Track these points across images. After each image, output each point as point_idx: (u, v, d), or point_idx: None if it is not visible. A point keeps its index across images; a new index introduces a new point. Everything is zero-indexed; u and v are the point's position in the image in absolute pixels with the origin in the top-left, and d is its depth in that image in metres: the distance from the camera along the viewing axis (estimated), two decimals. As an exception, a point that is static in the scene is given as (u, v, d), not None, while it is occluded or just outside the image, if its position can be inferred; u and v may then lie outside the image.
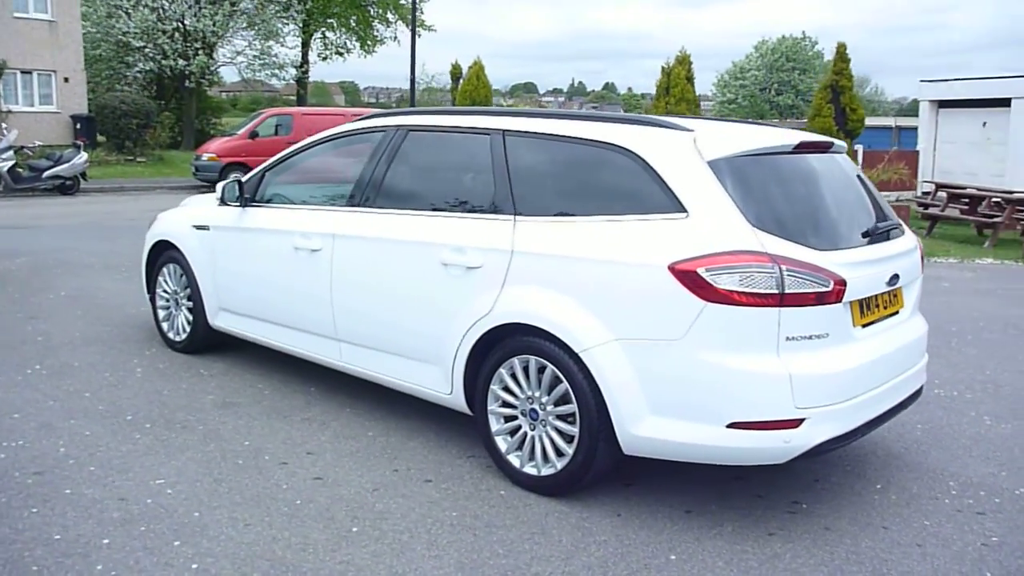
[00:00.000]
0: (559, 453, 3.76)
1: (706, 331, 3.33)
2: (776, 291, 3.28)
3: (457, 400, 4.18)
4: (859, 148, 19.52)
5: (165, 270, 5.99)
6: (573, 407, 3.67)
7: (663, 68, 19.09)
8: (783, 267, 3.30)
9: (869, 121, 37.07)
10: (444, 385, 4.21)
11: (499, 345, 3.92)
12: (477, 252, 3.98)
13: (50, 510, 3.56)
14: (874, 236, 3.85)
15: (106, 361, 5.69)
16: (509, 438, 3.97)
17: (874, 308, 3.72)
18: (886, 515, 3.75)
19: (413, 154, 4.57)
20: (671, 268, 3.38)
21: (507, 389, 3.94)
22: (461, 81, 16.75)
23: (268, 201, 5.27)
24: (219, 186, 5.43)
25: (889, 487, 4.05)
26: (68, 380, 5.26)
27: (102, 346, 6.05)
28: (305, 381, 5.34)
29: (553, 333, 3.67)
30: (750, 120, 5.24)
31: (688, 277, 3.34)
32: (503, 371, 3.92)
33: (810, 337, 3.38)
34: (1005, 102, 19.97)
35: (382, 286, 4.43)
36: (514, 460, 3.93)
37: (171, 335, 6.00)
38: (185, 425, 4.58)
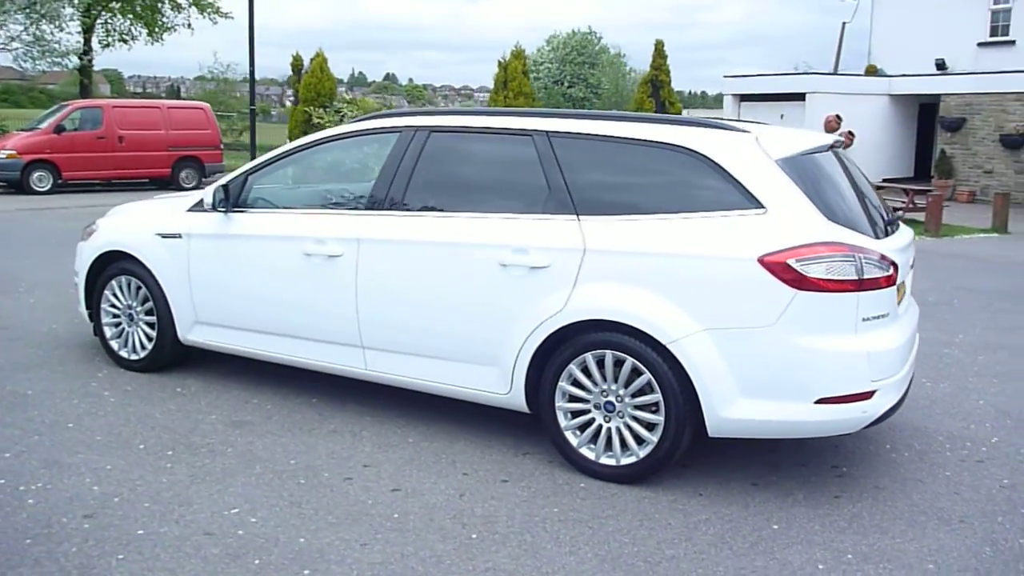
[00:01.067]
0: (640, 441, 3.92)
1: (796, 317, 3.62)
2: (856, 277, 3.63)
3: (515, 399, 4.22)
4: None
5: (114, 284, 5.46)
6: (656, 396, 3.84)
7: (500, 63, 19.48)
8: (860, 255, 3.65)
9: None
10: (500, 385, 4.23)
11: (569, 342, 4.01)
12: (543, 252, 4.04)
13: (139, 554, 3.25)
14: (891, 226, 4.32)
15: (61, 387, 5.13)
16: (579, 432, 4.07)
17: (901, 292, 4.19)
18: (915, 471, 4.23)
19: (441, 155, 4.51)
20: (761, 260, 3.63)
21: (577, 384, 4.03)
22: (303, 73, 16.19)
23: (254, 205, 4.99)
24: (207, 191, 5.03)
25: (898, 447, 4.56)
26: (33, 411, 4.71)
27: (45, 371, 5.43)
28: (299, 392, 5.11)
29: (637, 327, 3.82)
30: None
31: (779, 268, 3.61)
32: (573, 367, 4.02)
33: (878, 317, 3.76)
34: (800, 96, 22.19)
35: (423, 290, 4.36)
36: (587, 453, 4.04)
37: (124, 353, 5.50)
38: (211, 449, 4.27)
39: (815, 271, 3.59)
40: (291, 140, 16.30)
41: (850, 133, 21.68)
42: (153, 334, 5.35)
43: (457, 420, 4.69)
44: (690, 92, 71.75)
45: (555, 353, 4.05)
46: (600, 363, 3.96)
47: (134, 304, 5.42)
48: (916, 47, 23.62)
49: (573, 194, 4.09)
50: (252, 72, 16.75)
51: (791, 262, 3.60)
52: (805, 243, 3.63)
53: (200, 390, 5.15)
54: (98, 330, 5.63)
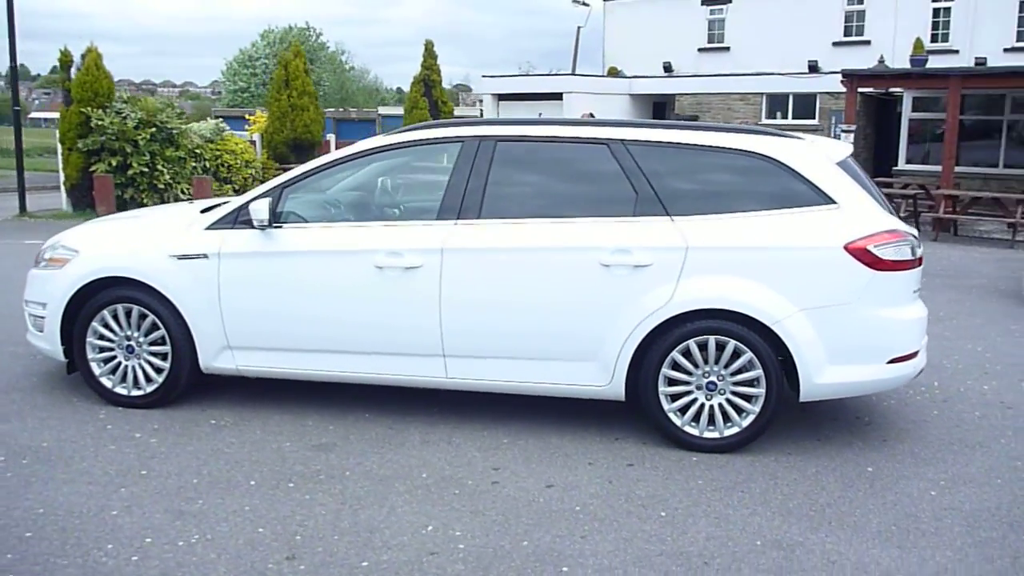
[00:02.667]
0: (740, 412, 4.44)
1: (873, 293, 4.34)
2: (912, 257, 4.43)
3: (615, 390, 4.54)
4: (331, 138, 20.55)
5: (105, 314, 4.91)
6: (757, 372, 4.38)
7: (280, 62, 18.77)
8: (912, 239, 4.46)
9: (383, 111, 39.69)
10: (600, 378, 4.53)
11: (671, 332, 4.42)
12: (645, 251, 4.40)
13: (391, 581, 3.19)
14: None
15: (77, 434, 4.55)
16: (680, 414, 4.50)
17: None
18: (939, 431, 4.98)
19: (513, 164, 4.68)
20: (846, 247, 4.31)
21: (678, 368, 4.46)
22: (73, 70, 14.49)
23: (289, 220, 4.78)
24: (252, 207, 4.68)
25: (906, 408, 5.47)
26: (76, 463, 4.17)
27: (35, 418, 4.75)
28: (346, 409, 4.98)
29: (743, 312, 4.33)
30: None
31: (860, 253, 4.31)
32: (676, 354, 4.44)
33: (918, 290, 4.60)
34: (557, 96, 23.80)
35: (516, 294, 4.52)
36: (691, 430, 4.49)
37: (120, 390, 4.96)
38: (328, 474, 4.12)
39: (887, 254, 4.33)
40: (64, 144, 14.60)
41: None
42: (164, 365, 4.89)
43: (522, 417, 4.88)
44: (388, 88, 72.62)
45: (657, 343, 4.44)
46: (703, 348, 4.42)
47: (134, 334, 4.91)
48: (646, 51, 26.26)
49: (662, 197, 4.49)
50: (14, 66, 14.67)
51: (870, 247, 4.31)
52: (876, 231, 4.36)
53: (239, 419, 4.83)
54: (78, 367, 5.01)
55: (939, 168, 16.21)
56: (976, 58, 20.51)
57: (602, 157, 4.60)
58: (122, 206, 14.45)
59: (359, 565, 3.30)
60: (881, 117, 22.90)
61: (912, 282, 4.49)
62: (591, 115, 24.26)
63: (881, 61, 20.74)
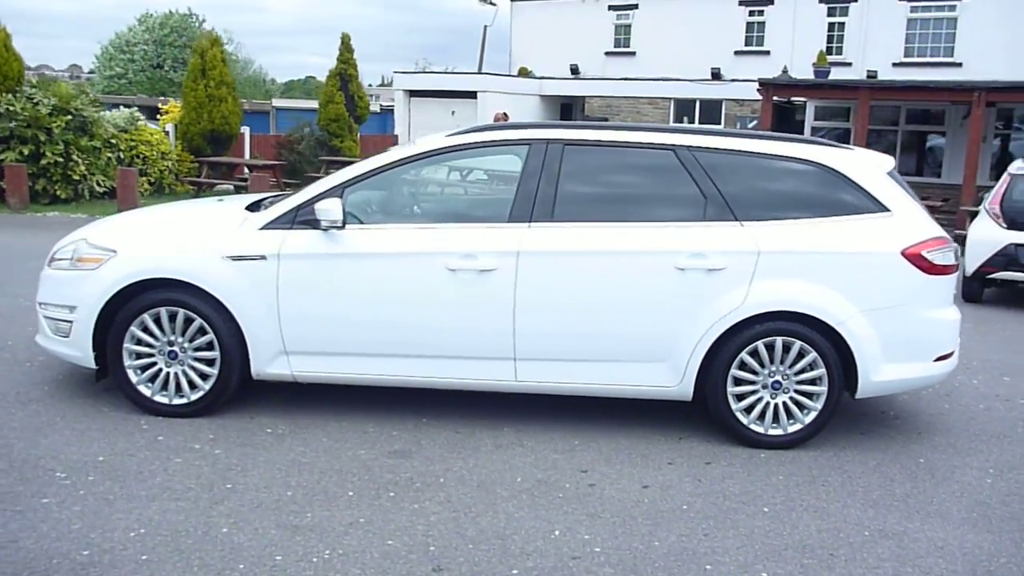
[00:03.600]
0: (802, 410, 4.65)
1: (924, 295, 4.63)
2: (956, 262, 4.75)
3: (684, 390, 4.66)
4: (245, 130, 19.88)
5: (145, 318, 4.63)
6: (820, 371, 4.59)
7: (195, 49, 17.90)
8: (954, 245, 4.78)
9: (277, 103, 38.57)
10: (670, 379, 4.63)
11: (741, 334, 4.56)
12: (720, 255, 4.53)
13: (551, 586, 3.18)
14: None
15: (129, 447, 4.28)
16: (746, 413, 4.66)
17: None
18: (960, 424, 5.29)
19: (582, 167, 4.71)
20: (903, 253, 4.57)
21: (745, 368, 4.62)
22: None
23: (351, 221, 4.65)
24: (319, 208, 4.50)
25: (919, 403, 5.82)
26: (151, 478, 3.93)
27: (74, 431, 4.43)
28: (401, 413, 4.87)
29: (811, 314, 4.53)
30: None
31: (915, 258, 4.58)
32: (744, 355, 4.60)
33: (954, 293, 4.94)
34: (471, 94, 23.80)
35: (591, 297, 4.56)
36: (757, 428, 4.65)
37: (161, 398, 4.70)
38: (423, 482, 4.04)
39: (936, 259, 4.63)
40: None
41: (515, 129, 23.82)
42: (211, 371, 4.66)
43: (578, 419, 4.92)
44: (272, 79, 70.45)
45: (727, 344, 4.58)
46: (769, 348, 4.59)
47: (178, 339, 4.65)
48: (553, 52, 26.61)
49: (729, 202, 4.63)
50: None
51: (923, 253, 4.59)
52: (928, 238, 4.65)
53: (295, 426, 4.65)
54: (113, 375, 4.71)
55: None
56: (868, 71, 21.87)
57: (669, 162, 4.69)
58: (34, 198, 13.51)
59: (509, 573, 3.27)
60: (782, 124, 24.05)
61: (953, 285, 4.81)
62: (504, 115, 24.42)
63: (785, 71, 21.80)
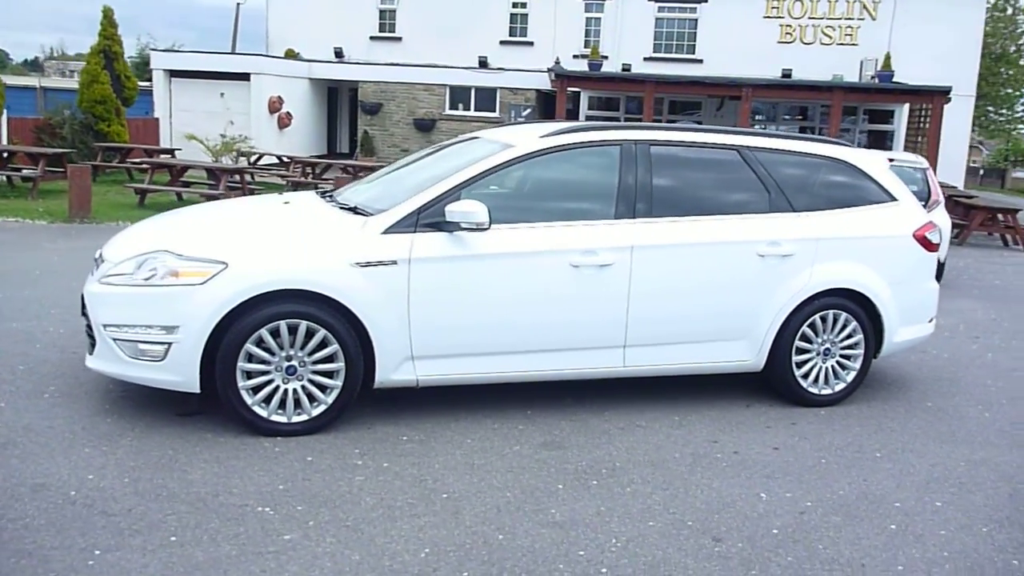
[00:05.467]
0: (845, 370, 5.48)
1: (924, 269, 5.66)
2: (939, 241, 5.83)
3: (758, 363, 5.29)
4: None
5: (263, 333, 4.33)
6: (859, 337, 5.45)
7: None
8: (938, 227, 5.86)
9: (9, 80, 34.27)
10: (748, 353, 5.24)
11: (803, 310, 5.29)
12: (791, 243, 5.19)
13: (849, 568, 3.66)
14: None
15: (298, 470, 4.04)
16: (804, 378, 5.40)
17: None
18: (982, 388, 6.56)
19: (666, 166, 5.11)
20: (913, 235, 5.56)
21: (805, 339, 5.36)
22: None
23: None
24: (459, 209, 4.43)
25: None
26: (347, 513, 3.81)
27: (204, 448, 4.05)
28: (494, 409, 4.97)
29: (856, 289, 5.35)
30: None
31: (922, 239, 5.58)
32: (805, 328, 5.33)
33: (930, 266, 6.04)
34: (244, 76, 22.58)
35: (690, 284, 5.01)
36: (812, 389, 5.41)
37: (278, 417, 4.43)
38: (611, 469, 4.29)
39: (934, 239, 5.67)
40: None
41: (288, 114, 23.30)
42: (333, 383, 4.48)
43: (652, 398, 5.38)
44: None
45: (793, 319, 5.28)
46: (824, 319, 5.36)
47: (298, 353, 4.41)
48: (316, 35, 25.97)
49: (787, 196, 5.31)
50: None
51: (927, 234, 5.61)
52: (927, 222, 5.67)
53: (425, 434, 4.59)
54: (223, 397, 4.35)
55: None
56: (623, 64, 23.98)
57: (735, 160, 5.27)
58: None
59: (769, 533, 3.68)
60: (550, 111, 25.55)
61: (936, 260, 5.90)
62: (279, 99, 23.55)
63: (557, 62, 23.27)
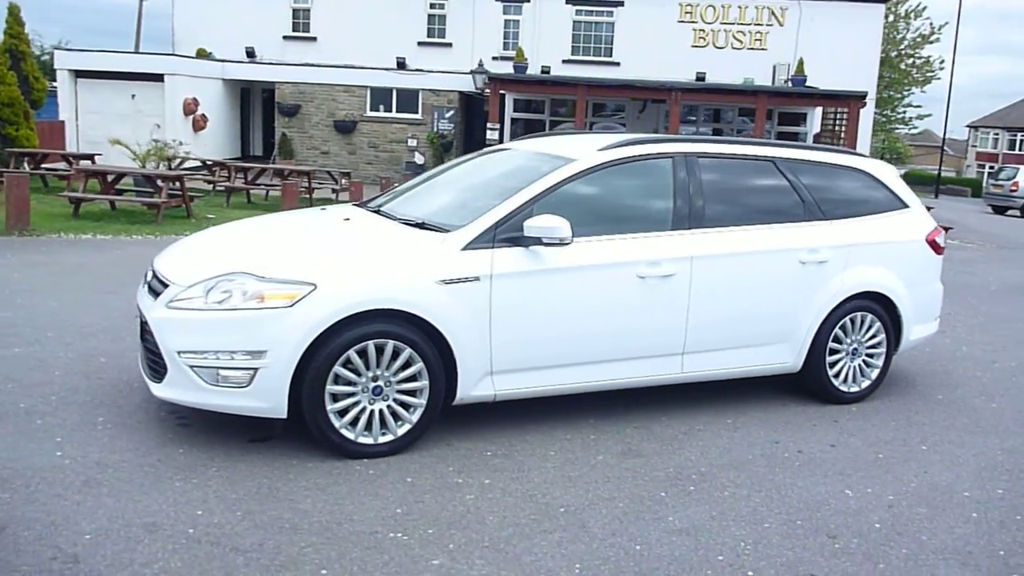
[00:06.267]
0: (869, 368, 5.82)
1: (933, 271, 6.07)
2: (945, 245, 6.25)
3: (797, 364, 5.55)
4: None
5: (351, 355, 4.26)
6: (882, 336, 5.81)
7: None
8: (943, 231, 6.28)
9: None
10: (789, 356, 5.50)
11: (836, 313, 5.58)
12: (827, 250, 5.47)
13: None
14: None
15: (422, 489, 4.01)
16: (835, 377, 5.71)
17: None
18: (948, 376, 6.99)
19: (711, 177, 5.29)
20: (926, 239, 5.95)
21: (836, 340, 5.66)
22: None
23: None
24: (542, 224, 4.46)
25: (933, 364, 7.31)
26: (458, 524, 3.83)
27: (319, 480, 3.98)
28: (560, 419, 5.06)
29: (881, 292, 5.69)
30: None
31: (932, 243, 5.98)
32: (837, 329, 5.64)
33: (929, 268, 6.45)
34: (156, 77, 21.67)
35: (741, 291, 5.22)
36: (842, 388, 5.72)
37: (364, 439, 4.37)
38: (700, 475, 4.44)
39: (942, 243, 6.08)
40: None
41: (204, 116, 22.59)
42: (418, 402, 4.46)
43: (694, 403, 5.57)
44: None
45: (827, 323, 5.56)
46: (853, 321, 5.67)
47: (384, 373, 4.37)
48: (226, 34, 25.20)
49: (819, 205, 5.59)
50: None
51: (936, 238, 6.01)
52: (935, 227, 6.07)
53: (504, 448, 4.62)
54: (314, 421, 4.27)
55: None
56: (543, 66, 24.28)
57: (771, 171, 5.51)
58: None
59: (873, 528, 3.90)
60: (473, 113, 25.60)
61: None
62: (194, 100, 22.74)
63: (480, 65, 23.34)
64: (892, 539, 3.81)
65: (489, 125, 19.42)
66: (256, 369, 4.13)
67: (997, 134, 61.68)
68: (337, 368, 4.23)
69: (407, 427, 4.44)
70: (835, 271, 5.50)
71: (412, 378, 4.41)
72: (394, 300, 4.29)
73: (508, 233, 4.58)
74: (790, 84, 21.30)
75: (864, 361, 5.78)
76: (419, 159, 24.33)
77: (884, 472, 4.58)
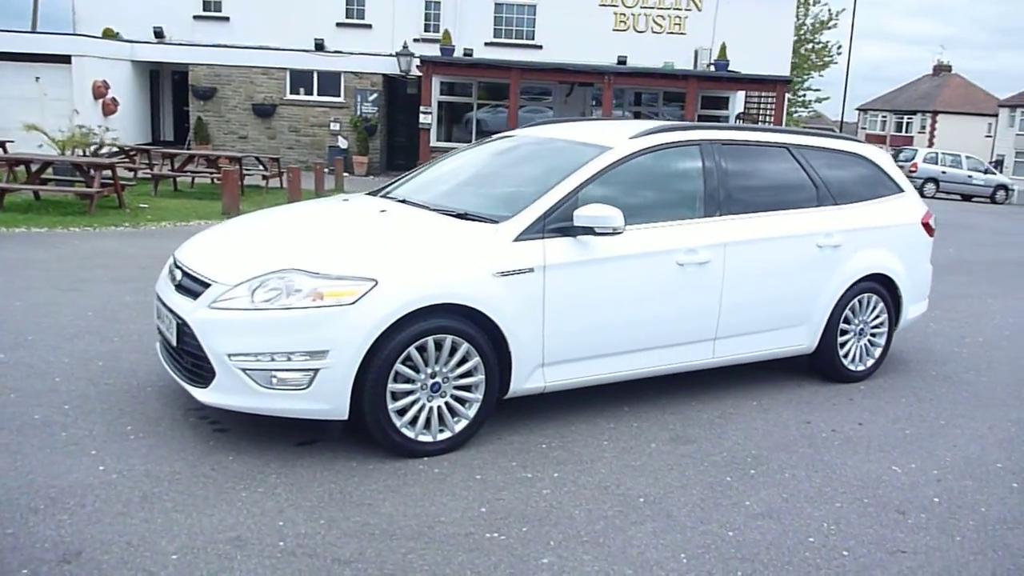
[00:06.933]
0: (874, 347, 6.05)
1: (926, 252, 6.34)
2: (935, 227, 6.53)
3: (812, 346, 5.71)
4: None
5: (411, 352, 4.16)
6: (884, 316, 6.04)
7: None
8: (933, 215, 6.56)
9: None
10: (806, 338, 5.66)
11: (846, 295, 5.77)
12: (840, 234, 5.64)
13: None
14: None
15: (496, 487, 3.94)
16: (845, 358, 5.91)
17: None
18: (930, 352, 7.29)
19: (733, 165, 5.36)
20: (921, 222, 6.21)
21: (846, 321, 5.86)
22: None
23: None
24: (594, 214, 4.41)
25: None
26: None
27: (391, 482, 3.86)
28: (610, 406, 5.08)
29: (885, 273, 5.92)
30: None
31: (926, 226, 6.25)
32: (847, 311, 5.83)
33: (916, 247, 6.73)
34: (63, 59, 20.43)
35: (768, 277, 5.32)
36: (851, 367, 5.93)
37: (424, 437, 4.27)
38: (756, 459, 4.52)
39: (933, 224, 6.36)
40: None
41: (114, 100, 21.55)
42: (474, 397, 4.39)
43: (709, 387, 5.69)
44: None
45: (840, 305, 5.75)
46: (860, 302, 5.88)
47: (442, 369, 4.28)
48: (130, 13, 23.95)
49: (831, 190, 5.76)
50: None
51: (929, 221, 6.28)
52: (927, 210, 6.34)
53: (557, 439, 4.61)
54: (375, 421, 4.14)
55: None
56: (465, 49, 24.07)
57: (787, 158, 5.64)
58: None
59: (933, 502, 4.07)
60: (395, 96, 25.17)
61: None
62: (104, 83, 21.62)
63: (405, 47, 22.97)
64: (955, 512, 3.98)
65: (422, 109, 19.15)
66: (316, 370, 3.97)
67: (885, 117, 64.88)
68: (398, 366, 4.11)
69: (464, 423, 4.36)
70: (847, 255, 5.68)
71: (468, 373, 4.33)
72: (456, 294, 4.19)
73: (557, 223, 4.53)
74: (713, 68, 21.79)
75: (869, 341, 6.00)
76: (343, 143, 23.82)
77: (917, 448, 4.78)
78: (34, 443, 4.19)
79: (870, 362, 6.01)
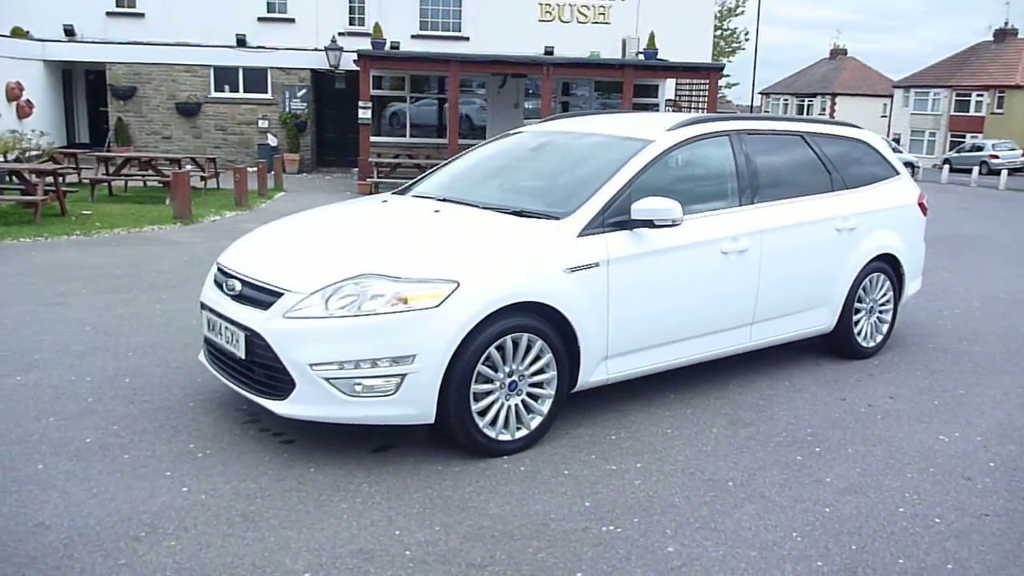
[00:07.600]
0: (882, 323, 6.35)
1: (920, 230, 6.67)
2: (925, 206, 6.86)
3: (831, 325, 5.95)
4: None
5: (491, 350, 4.16)
6: (891, 294, 6.34)
7: None
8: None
9: None
10: (826, 318, 5.90)
11: (860, 275, 6.04)
12: (855, 217, 5.89)
13: (1029, 466, 4.37)
14: None
15: (589, 487, 3.98)
16: (859, 336, 6.18)
17: None
18: (921, 326, 7.65)
19: (757, 154, 5.53)
20: (917, 203, 6.53)
21: (859, 300, 6.13)
22: None
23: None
24: (655, 207, 4.48)
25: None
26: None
27: (495, 479, 3.87)
28: (657, 394, 5.18)
29: (892, 253, 6.21)
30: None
31: (921, 206, 6.58)
32: (860, 290, 6.10)
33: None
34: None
35: (797, 262, 5.51)
36: (864, 344, 6.21)
37: (503, 436, 4.27)
38: (814, 445, 4.70)
39: (926, 204, 6.69)
40: None
41: (29, 102, 20.60)
42: (546, 393, 4.42)
43: (740, 369, 5.87)
44: None
45: (855, 285, 6.01)
46: (871, 281, 6.16)
47: (518, 367, 4.30)
48: (37, 9, 22.79)
49: (842, 174, 6.00)
50: None
51: (923, 201, 6.61)
52: (920, 191, 6.66)
53: (617, 430, 4.69)
54: (460, 422, 4.13)
55: (399, 139, 19.54)
56: (391, 42, 23.79)
57: (802, 145, 5.85)
58: None
59: (988, 467, 4.32)
60: (322, 91, 24.68)
61: (922, 222, 6.93)
62: (19, 84, 20.57)
63: (334, 41, 22.52)
64: (1015, 475, 4.24)
65: (361, 103, 18.85)
66: (404, 375, 3.93)
67: (787, 100, 67.21)
68: (480, 366, 4.11)
69: (539, 419, 4.39)
70: (860, 237, 5.93)
71: (541, 370, 4.35)
72: (534, 292, 4.21)
73: (615, 217, 4.59)
74: (642, 57, 22.16)
75: (878, 318, 6.29)
76: (272, 141, 23.27)
77: (952, 417, 5.05)
78: (100, 468, 4.01)
79: (879, 338, 6.30)
